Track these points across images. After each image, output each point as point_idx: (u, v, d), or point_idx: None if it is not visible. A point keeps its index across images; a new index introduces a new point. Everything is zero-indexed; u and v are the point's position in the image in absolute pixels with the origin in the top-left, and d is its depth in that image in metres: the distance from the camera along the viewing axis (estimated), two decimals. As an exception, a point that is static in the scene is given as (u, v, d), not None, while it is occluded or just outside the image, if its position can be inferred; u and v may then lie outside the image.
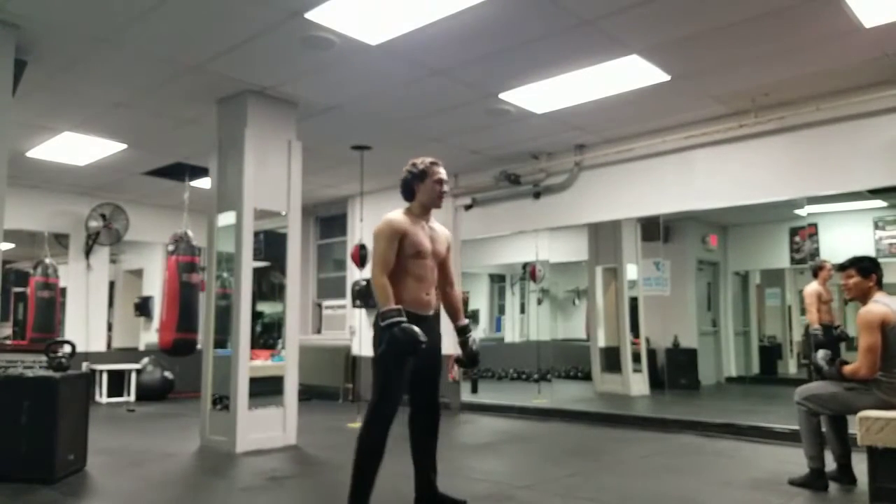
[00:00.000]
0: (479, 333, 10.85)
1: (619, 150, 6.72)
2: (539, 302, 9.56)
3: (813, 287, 6.21)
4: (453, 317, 3.56)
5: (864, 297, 3.88)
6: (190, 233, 7.25)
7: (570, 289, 10.15)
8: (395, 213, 3.33)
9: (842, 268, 4.01)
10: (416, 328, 3.02)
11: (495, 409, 7.70)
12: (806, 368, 6.89)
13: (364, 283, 8.69)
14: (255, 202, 5.47)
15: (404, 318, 3.05)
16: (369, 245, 7.86)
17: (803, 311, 6.74)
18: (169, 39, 4.56)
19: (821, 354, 4.06)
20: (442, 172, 3.40)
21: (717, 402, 8.14)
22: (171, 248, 7.23)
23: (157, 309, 10.01)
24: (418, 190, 3.36)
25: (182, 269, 7.06)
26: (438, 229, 3.46)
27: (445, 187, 3.41)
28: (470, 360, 3.47)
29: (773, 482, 4.05)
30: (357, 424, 6.48)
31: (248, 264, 5.42)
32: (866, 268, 3.91)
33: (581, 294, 9.92)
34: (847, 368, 3.80)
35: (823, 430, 3.98)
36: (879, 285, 3.89)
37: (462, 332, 3.48)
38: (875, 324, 3.69)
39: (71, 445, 4.37)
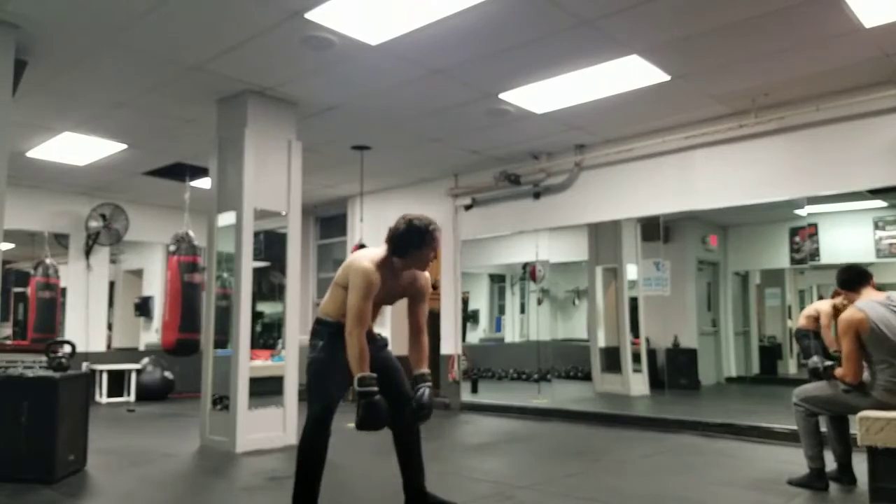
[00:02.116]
0: (479, 333, 10.86)
1: (619, 150, 6.72)
2: (539, 302, 9.55)
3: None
4: (414, 363, 3.22)
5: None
6: (191, 233, 7.25)
7: (570, 289, 10.15)
8: (372, 259, 3.07)
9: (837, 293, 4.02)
10: (385, 405, 2.94)
11: (495, 409, 7.70)
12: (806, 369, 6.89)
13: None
14: (255, 202, 5.47)
15: (377, 389, 2.93)
16: (369, 245, 7.89)
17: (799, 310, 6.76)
18: (169, 39, 4.56)
19: (812, 360, 4.06)
20: (439, 239, 3.17)
21: (717, 402, 8.14)
22: (172, 248, 7.23)
23: (157, 309, 10.01)
24: (411, 254, 3.09)
25: (184, 269, 7.06)
26: (413, 274, 3.23)
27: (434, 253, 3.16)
28: (415, 412, 3.10)
29: (773, 482, 4.05)
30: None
31: (248, 264, 5.42)
32: (845, 280, 3.94)
33: (581, 294, 9.92)
34: (837, 372, 3.81)
35: (823, 430, 3.98)
36: (868, 284, 3.89)
37: (417, 381, 3.14)
38: (846, 330, 3.67)
39: (71, 445, 4.37)
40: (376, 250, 3.16)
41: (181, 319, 6.93)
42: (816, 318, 6.37)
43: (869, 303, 3.74)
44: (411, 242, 3.07)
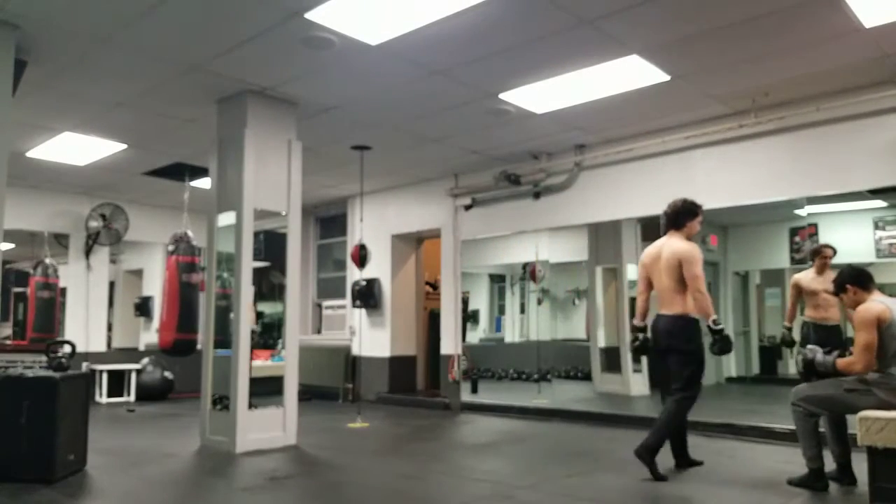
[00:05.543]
0: (479, 333, 10.86)
1: (619, 150, 6.72)
2: (539, 302, 9.54)
3: (796, 276, 5.91)
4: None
5: (856, 305, 3.86)
6: (190, 233, 7.25)
7: (570, 289, 10.13)
8: (680, 241, 4.30)
9: (840, 287, 3.96)
10: None
11: (495, 409, 7.70)
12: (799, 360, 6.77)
13: (364, 283, 8.70)
14: (255, 202, 5.47)
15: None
16: (369, 245, 7.91)
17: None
18: (169, 39, 4.56)
19: (810, 349, 4.03)
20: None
21: (717, 402, 8.12)
22: (171, 248, 7.23)
23: (157, 309, 10.01)
24: (688, 224, 4.34)
25: (182, 269, 7.06)
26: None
27: None
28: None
29: (773, 482, 4.05)
30: (357, 425, 6.51)
31: (248, 264, 5.42)
32: (864, 277, 3.90)
33: (581, 294, 9.91)
34: (841, 361, 3.79)
35: (822, 430, 3.98)
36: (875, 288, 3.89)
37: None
38: (871, 321, 3.67)
39: (71, 445, 4.37)
40: (665, 240, 4.39)
41: (179, 319, 6.93)
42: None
43: (888, 299, 3.78)
44: (691, 214, 4.36)
